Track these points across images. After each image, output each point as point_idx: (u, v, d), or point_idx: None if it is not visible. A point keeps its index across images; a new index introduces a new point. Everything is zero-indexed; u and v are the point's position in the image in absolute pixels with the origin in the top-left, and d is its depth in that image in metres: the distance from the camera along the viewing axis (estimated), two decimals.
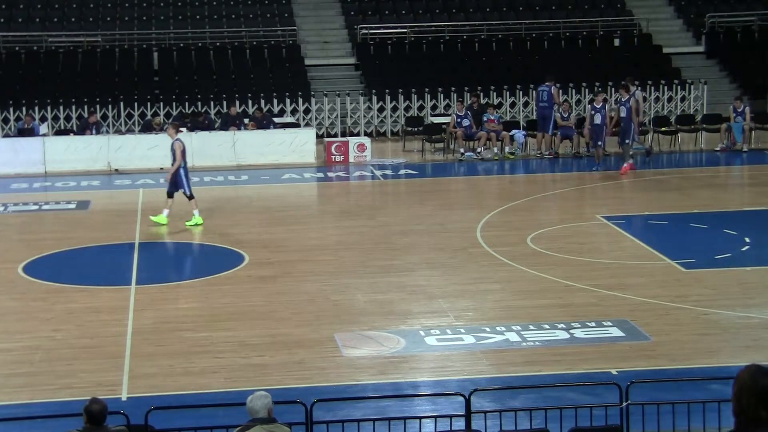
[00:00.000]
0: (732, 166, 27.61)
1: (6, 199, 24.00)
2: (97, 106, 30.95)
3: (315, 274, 16.91)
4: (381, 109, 32.61)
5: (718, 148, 28.69)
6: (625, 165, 25.53)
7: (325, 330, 14.10)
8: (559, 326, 14.00)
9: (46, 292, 16.35)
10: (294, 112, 32.12)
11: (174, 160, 20.55)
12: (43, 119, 30.61)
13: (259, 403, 8.15)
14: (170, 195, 20.60)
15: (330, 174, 27.02)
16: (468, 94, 31.85)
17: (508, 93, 32.81)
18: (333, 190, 26.25)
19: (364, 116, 32.44)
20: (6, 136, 29.82)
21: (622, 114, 26.07)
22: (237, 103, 30.62)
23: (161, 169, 27.03)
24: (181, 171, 20.49)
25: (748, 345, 13.41)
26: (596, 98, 27.35)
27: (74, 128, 30.09)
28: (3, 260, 18.36)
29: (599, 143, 26.33)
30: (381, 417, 10.27)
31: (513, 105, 32.77)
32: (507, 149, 28.32)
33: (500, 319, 14.40)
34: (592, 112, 26.73)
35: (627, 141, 25.79)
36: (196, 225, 20.54)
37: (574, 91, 32.76)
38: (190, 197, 20.60)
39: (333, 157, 27.93)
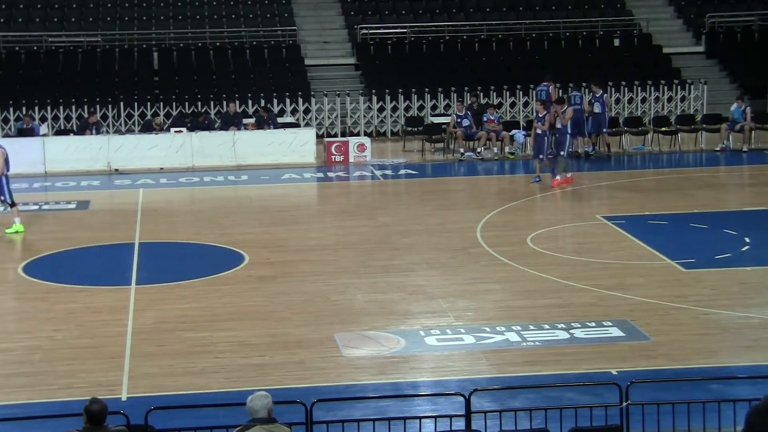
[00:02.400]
0: (732, 166, 27.60)
1: None
2: (97, 106, 30.95)
3: (315, 274, 16.91)
4: (381, 109, 32.61)
5: (718, 148, 28.70)
6: (558, 177, 23.88)
7: (325, 330, 14.10)
8: (559, 326, 14.01)
9: (46, 292, 16.36)
10: (294, 112, 32.12)
11: None
12: (43, 119, 30.61)
13: (259, 403, 8.16)
14: (12, 203, 20.36)
15: (330, 174, 27.02)
16: (468, 94, 31.85)
17: (508, 93, 32.80)
18: (333, 190, 26.25)
19: (364, 116, 32.44)
20: (6, 136, 29.81)
21: (558, 125, 24.26)
22: (237, 103, 30.59)
23: (161, 169, 27.07)
24: (2, 178, 20.15)
25: (748, 345, 13.41)
26: (540, 107, 25.00)
27: (74, 128, 30.08)
28: (3, 260, 18.37)
29: (540, 156, 24.30)
30: (381, 417, 10.27)
31: (513, 105, 32.75)
32: (507, 149, 28.32)
33: (500, 319, 14.40)
34: (536, 122, 24.83)
35: (562, 153, 24.13)
36: (17, 233, 20.18)
37: (574, 91, 32.70)
38: (12, 204, 20.36)
39: (333, 157, 27.93)
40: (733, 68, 35.34)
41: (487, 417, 9.81)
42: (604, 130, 28.29)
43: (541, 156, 24.32)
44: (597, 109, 28.15)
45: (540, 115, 24.62)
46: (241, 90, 32.76)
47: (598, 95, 28.36)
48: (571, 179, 24.15)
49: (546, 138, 24.28)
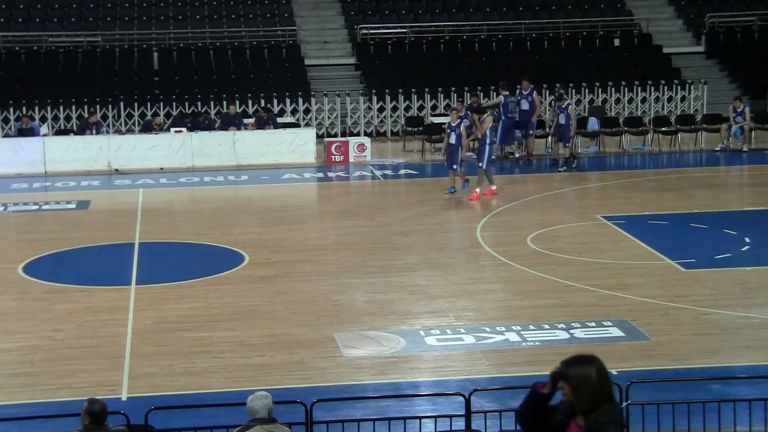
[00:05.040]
0: (732, 166, 27.61)
1: (6, 199, 24.00)
2: (97, 106, 30.94)
3: (315, 274, 16.91)
4: (381, 109, 32.60)
5: (718, 148, 28.69)
6: (477, 190, 22.51)
7: (325, 330, 14.10)
8: (559, 326, 14.00)
9: (46, 292, 16.36)
10: (294, 112, 32.13)
11: None
12: (43, 119, 30.61)
13: (260, 403, 8.16)
14: None
15: (330, 174, 27.02)
16: (468, 94, 31.84)
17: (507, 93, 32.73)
18: (333, 190, 26.25)
19: (364, 116, 32.44)
20: (6, 136, 29.82)
21: (479, 135, 23.01)
22: (237, 103, 30.61)
23: (161, 169, 27.08)
24: None
25: (748, 345, 13.41)
26: (452, 115, 23.65)
27: (74, 128, 30.08)
28: (3, 260, 18.37)
29: (454, 166, 22.87)
30: (381, 417, 10.27)
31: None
32: (507, 149, 28.29)
33: (500, 319, 14.40)
34: (449, 131, 23.34)
35: (481, 165, 22.56)
36: None
37: (574, 91, 32.74)
38: None
39: (333, 157, 27.94)
40: (733, 68, 35.33)
41: (487, 417, 9.80)
42: (567, 144, 26.39)
43: (455, 166, 22.87)
44: (561, 120, 26.51)
45: (453, 124, 23.10)
46: (241, 90, 32.76)
47: (563, 106, 26.70)
48: (497, 191, 22.77)
49: (459, 148, 22.80)
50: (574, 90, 32.76)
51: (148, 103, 31.75)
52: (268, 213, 22.23)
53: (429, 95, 32.60)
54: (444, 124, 29.52)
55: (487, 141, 22.74)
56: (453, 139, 22.96)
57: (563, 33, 36.25)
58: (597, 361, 5.82)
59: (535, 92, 28.12)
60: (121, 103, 31.68)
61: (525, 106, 27.75)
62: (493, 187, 22.83)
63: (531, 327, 14.00)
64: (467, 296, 15.59)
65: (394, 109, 32.52)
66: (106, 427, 8.13)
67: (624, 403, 9.94)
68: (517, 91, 28.15)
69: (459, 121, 23.17)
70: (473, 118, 23.33)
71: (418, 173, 26.75)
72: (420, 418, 10.43)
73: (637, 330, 13.84)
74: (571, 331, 13.84)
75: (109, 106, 31.60)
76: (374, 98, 32.61)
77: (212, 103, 31.83)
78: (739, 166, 27.50)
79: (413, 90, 32.68)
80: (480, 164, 22.59)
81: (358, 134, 30.98)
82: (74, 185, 25.54)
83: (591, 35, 36.32)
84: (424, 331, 14.01)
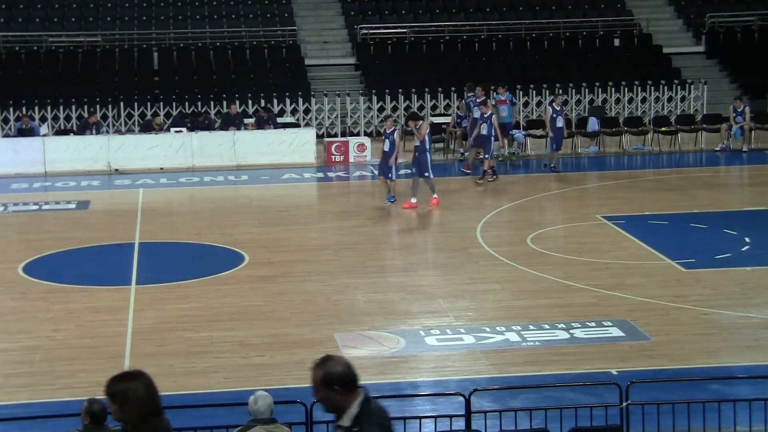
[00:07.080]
0: (732, 166, 27.61)
1: (6, 199, 24.00)
2: (97, 106, 30.94)
3: (315, 274, 16.91)
4: (381, 109, 32.59)
5: (718, 148, 28.69)
6: (435, 195, 21.94)
7: (325, 330, 14.10)
8: (559, 326, 14.01)
9: (46, 292, 16.36)
10: (294, 112, 32.13)
11: None
12: (43, 119, 30.61)
13: (263, 403, 8.17)
14: None
15: (330, 174, 27.03)
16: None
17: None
18: (333, 190, 26.25)
19: (364, 116, 32.44)
20: (6, 136, 29.81)
21: (416, 143, 22.11)
22: (237, 103, 30.60)
23: (161, 169, 27.07)
24: None
25: (748, 345, 13.42)
26: (386, 122, 23.03)
27: (74, 128, 30.08)
28: (3, 260, 18.37)
29: (389, 174, 22.18)
30: None
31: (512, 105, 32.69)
32: (507, 149, 28.28)
33: (500, 319, 14.40)
34: (383, 138, 22.62)
35: (426, 174, 21.75)
36: None
37: (573, 91, 32.75)
38: None
39: (333, 157, 27.94)
40: (733, 68, 35.34)
41: (487, 417, 9.81)
42: (487, 156, 24.94)
43: (389, 174, 22.17)
44: (484, 130, 25.05)
45: (388, 131, 22.38)
46: (241, 90, 32.76)
47: (487, 115, 25.12)
48: (437, 201, 21.97)
49: (393, 155, 22.07)
50: (573, 90, 32.77)
51: (148, 103, 31.75)
52: (268, 213, 22.23)
53: (429, 95, 32.59)
54: (444, 123, 29.61)
55: (427, 148, 22.06)
56: (387, 147, 22.19)
57: (563, 33, 36.25)
58: (143, 376, 6.00)
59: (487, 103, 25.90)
60: (121, 103, 31.67)
61: (476, 114, 26.05)
62: (435, 195, 22.06)
63: (531, 327, 14.00)
64: (467, 296, 15.59)
65: (394, 109, 32.51)
66: (106, 427, 8.13)
67: (624, 403, 9.96)
68: (470, 97, 26.82)
69: (393, 128, 22.48)
70: (410, 125, 22.57)
71: None
72: (420, 418, 10.43)
73: (637, 330, 13.85)
74: (571, 331, 13.84)
75: (109, 106, 31.60)
76: (374, 98, 32.61)
77: (212, 103, 31.83)
78: (739, 166, 27.50)
79: (413, 90, 32.68)
80: (426, 174, 21.78)
81: (358, 134, 30.98)
82: (74, 185, 25.53)
83: (591, 35, 36.33)
84: (424, 331, 14.01)
